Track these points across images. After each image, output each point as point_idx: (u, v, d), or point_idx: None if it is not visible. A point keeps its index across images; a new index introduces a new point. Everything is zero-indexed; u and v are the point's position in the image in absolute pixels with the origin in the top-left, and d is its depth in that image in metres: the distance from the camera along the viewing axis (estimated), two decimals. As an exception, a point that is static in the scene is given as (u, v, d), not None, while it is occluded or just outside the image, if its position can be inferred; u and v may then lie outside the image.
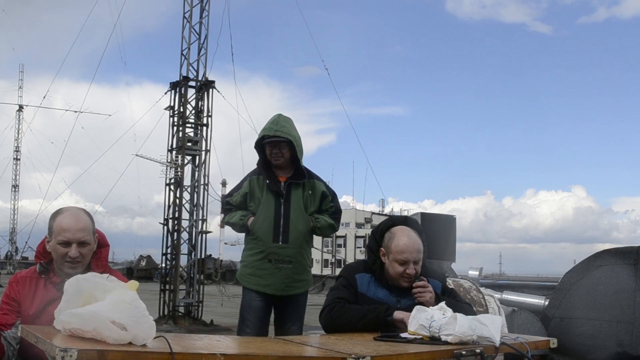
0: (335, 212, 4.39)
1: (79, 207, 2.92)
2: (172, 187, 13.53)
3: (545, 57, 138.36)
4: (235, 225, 4.32)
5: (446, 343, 2.43)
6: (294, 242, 4.17)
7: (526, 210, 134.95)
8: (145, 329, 2.03)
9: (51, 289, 2.75)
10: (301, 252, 4.21)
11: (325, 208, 4.33)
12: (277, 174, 4.25)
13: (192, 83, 13.72)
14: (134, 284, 2.31)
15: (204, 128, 13.69)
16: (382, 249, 3.10)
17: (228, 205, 4.37)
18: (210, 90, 13.73)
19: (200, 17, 13.92)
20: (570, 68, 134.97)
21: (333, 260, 64.42)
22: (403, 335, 2.63)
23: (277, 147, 4.17)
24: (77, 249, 2.71)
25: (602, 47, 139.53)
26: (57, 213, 2.80)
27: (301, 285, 4.24)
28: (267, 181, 4.21)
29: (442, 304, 2.66)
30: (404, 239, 3.03)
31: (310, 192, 4.27)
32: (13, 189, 54.88)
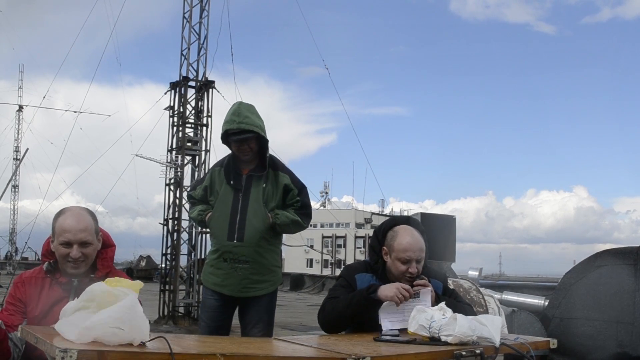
0: (302, 206, 4.02)
1: (83, 207, 2.90)
2: (172, 187, 13.53)
3: (548, 57, 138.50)
4: (194, 221, 4.09)
5: (446, 344, 2.44)
6: (249, 241, 3.85)
7: (527, 211, 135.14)
8: (142, 329, 2.04)
9: (57, 289, 2.75)
10: (259, 251, 3.89)
11: (290, 203, 3.98)
12: (241, 166, 3.96)
13: (192, 83, 13.72)
14: (138, 284, 2.32)
15: (204, 128, 13.69)
16: (384, 247, 3.11)
17: (191, 199, 4.15)
18: (210, 90, 13.73)
19: (200, 17, 13.92)
20: (573, 68, 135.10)
21: (333, 261, 64.43)
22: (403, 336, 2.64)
23: (245, 143, 3.87)
24: (78, 249, 2.71)
25: (606, 48, 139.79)
26: (60, 213, 2.79)
27: (263, 286, 3.92)
28: (224, 175, 3.96)
29: (442, 304, 2.67)
30: (407, 238, 3.04)
31: (272, 185, 3.94)
32: (13, 189, 54.93)
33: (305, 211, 4.04)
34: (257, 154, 3.93)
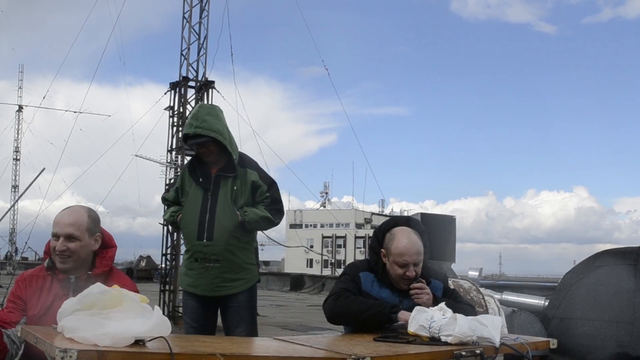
0: (273, 202, 3.99)
1: (85, 206, 2.93)
2: (172, 187, 13.52)
3: (549, 57, 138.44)
4: (168, 222, 4.09)
5: (446, 344, 2.43)
6: (219, 239, 3.85)
7: (528, 211, 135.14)
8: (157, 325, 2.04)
9: (56, 286, 2.77)
10: (229, 249, 3.88)
11: (260, 199, 3.96)
12: (210, 166, 3.97)
13: (192, 83, 13.72)
14: (143, 299, 2.31)
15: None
16: (382, 249, 3.10)
17: (165, 201, 4.16)
18: (210, 90, 13.73)
19: (200, 17, 13.92)
20: (574, 68, 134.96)
21: (333, 261, 64.44)
22: (403, 337, 2.64)
23: (203, 146, 3.88)
24: (63, 242, 2.74)
25: (607, 48, 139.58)
26: (61, 209, 2.84)
27: (236, 284, 3.92)
28: (191, 176, 3.98)
29: (442, 304, 2.67)
30: (403, 241, 3.02)
31: (240, 183, 3.93)
32: (13, 189, 54.95)
33: (275, 207, 4.01)
34: (222, 154, 3.93)
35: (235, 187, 3.92)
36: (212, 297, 3.92)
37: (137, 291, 2.68)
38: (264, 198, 3.97)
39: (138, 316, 2.08)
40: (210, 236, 3.87)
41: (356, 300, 2.97)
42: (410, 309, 2.71)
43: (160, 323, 2.07)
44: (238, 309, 3.93)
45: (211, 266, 3.87)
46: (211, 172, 3.95)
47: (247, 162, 4.01)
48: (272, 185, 4.02)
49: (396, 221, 3.20)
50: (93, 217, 2.85)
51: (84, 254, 2.81)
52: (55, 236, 2.75)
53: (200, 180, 3.96)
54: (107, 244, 2.90)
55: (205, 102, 13.65)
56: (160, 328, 2.06)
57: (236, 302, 3.93)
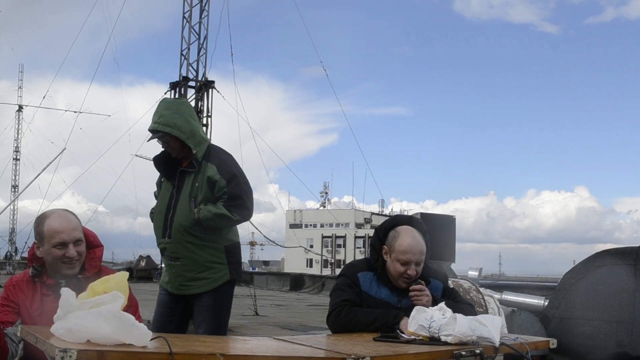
0: (231, 198, 3.82)
1: (63, 208, 2.91)
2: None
3: (551, 57, 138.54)
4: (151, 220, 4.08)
5: (446, 343, 2.43)
6: (176, 237, 3.79)
7: (529, 211, 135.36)
8: (140, 335, 2.03)
9: (47, 292, 2.76)
10: (187, 247, 3.79)
11: (218, 195, 3.82)
12: (182, 161, 3.90)
13: (192, 83, 13.72)
14: (123, 275, 2.31)
15: (204, 128, 13.68)
16: (385, 247, 3.09)
17: (156, 198, 4.13)
18: (210, 90, 13.72)
19: (200, 17, 13.92)
20: (576, 68, 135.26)
21: (332, 261, 64.43)
22: (403, 335, 2.64)
23: (164, 142, 3.84)
24: (74, 248, 2.72)
25: (609, 48, 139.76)
26: (44, 217, 2.78)
27: (200, 284, 3.81)
28: (158, 171, 3.97)
29: (442, 304, 2.67)
30: (408, 239, 3.03)
31: (200, 178, 3.83)
32: (13, 189, 54.90)
33: (234, 203, 3.83)
34: (187, 149, 3.85)
35: (197, 184, 3.84)
36: (181, 295, 3.88)
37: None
38: (222, 194, 3.83)
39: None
40: (170, 233, 3.84)
41: (358, 313, 2.96)
42: (410, 308, 2.71)
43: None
44: (201, 309, 3.85)
45: (173, 264, 3.84)
46: (181, 167, 3.91)
47: (212, 156, 3.88)
48: (232, 180, 3.85)
49: (398, 220, 3.20)
50: (78, 219, 2.85)
51: (85, 254, 2.81)
52: (62, 245, 2.71)
53: (168, 176, 3.93)
54: (92, 244, 2.88)
55: (206, 102, 13.66)
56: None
57: (200, 302, 3.84)
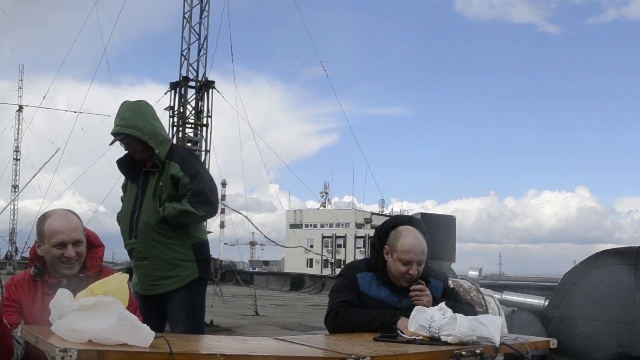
0: (195, 195, 3.84)
1: (65, 208, 2.92)
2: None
3: (552, 57, 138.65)
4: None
5: (446, 343, 2.43)
6: (142, 237, 3.81)
7: (529, 211, 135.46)
8: (143, 336, 2.03)
9: (48, 291, 2.76)
10: (155, 246, 3.81)
11: (182, 192, 3.84)
12: (146, 162, 3.92)
13: (192, 83, 13.72)
14: (124, 277, 2.31)
15: (204, 128, 13.69)
16: (386, 247, 3.09)
17: (122, 202, 4.14)
18: (210, 90, 13.72)
19: (200, 17, 13.92)
20: (577, 69, 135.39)
21: (332, 261, 64.42)
22: (403, 335, 2.64)
23: (127, 144, 3.86)
24: (73, 248, 2.73)
25: (610, 48, 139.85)
26: (46, 217, 2.79)
27: (168, 282, 3.81)
28: (122, 173, 3.98)
29: (442, 304, 2.67)
30: (410, 239, 3.03)
31: (164, 177, 3.84)
32: (13, 189, 54.91)
33: (198, 199, 3.85)
34: (149, 149, 3.87)
35: (160, 183, 3.86)
36: (152, 296, 3.86)
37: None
38: (186, 191, 3.84)
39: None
40: (136, 234, 3.85)
41: (356, 313, 2.96)
42: (410, 308, 2.71)
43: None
44: (174, 308, 3.84)
45: (141, 264, 3.84)
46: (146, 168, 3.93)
47: (174, 155, 3.90)
48: (195, 176, 3.87)
49: (398, 220, 3.20)
50: (79, 219, 2.85)
51: (85, 255, 2.82)
52: (61, 245, 2.72)
53: (133, 178, 3.95)
54: (93, 244, 2.89)
55: (206, 102, 13.65)
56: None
57: (172, 302, 3.84)
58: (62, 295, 2.23)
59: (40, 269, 2.80)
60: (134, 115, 3.82)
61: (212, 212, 3.96)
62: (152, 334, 2.05)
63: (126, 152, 3.97)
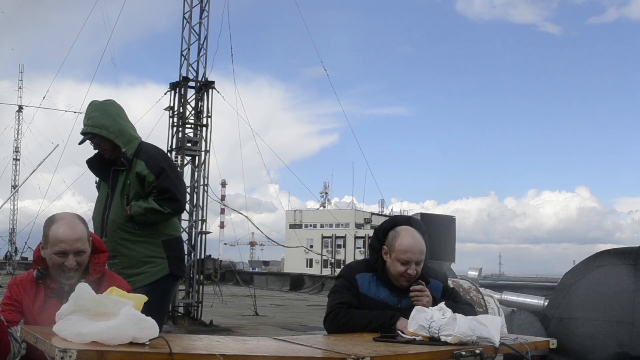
0: (160, 192, 3.85)
1: (74, 213, 2.87)
2: (171, 187, 13.52)
3: (553, 57, 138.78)
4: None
5: (446, 343, 2.43)
6: (110, 235, 3.82)
7: (529, 211, 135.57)
8: (147, 329, 2.03)
9: (50, 294, 2.76)
10: (123, 244, 3.83)
11: (148, 190, 3.86)
12: (116, 161, 3.93)
13: (192, 83, 13.71)
14: (141, 298, 2.31)
15: (204, 129, 13.68)
16: (384, 247, 3.10)
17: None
18: (210, 90, 13.72)
19: (200, 17, 13.91)
20: (578, 69, 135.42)
21: (332, 261, 64.41)
22: (403, 335, 2.64)
23: (95, 143, 3.88)
24: (74, 258, 2.71)
25: (611, 48, 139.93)
26: (52, 221, 2.76)
27: (139, 279, 3.81)
28: (92, 172, 3.99)
29: (442, 304, 2.67)
30: (408, 239, 3.03)
31: (131, 175, 3.85)
32: (13, 189, 54.86)
33: (164, 196, 3.86)
34: (118, 148, 3.88)
35: (128, 181, 3.88)
36: None
37: (130, 291, 2.69)
38: (152, 189, 3.87)
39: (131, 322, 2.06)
40: (106, 232, 3.86)
41: (355, 315, 2.96)
42: (409, 309, 2.71)
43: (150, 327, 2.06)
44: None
45: (111, 263, 3.80)
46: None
47: (141, 152, 3.92)
48: (160, 173, 3.88)
49: (397, 221, 3.21)
50: (86, 225, 2.82)
51: (86, 263, 2.80)
52: (63, 254, 2.70)
53: (103, 177, 3.96)
54: (97, 249, 2.87)
55: (205, 102, 13.64)
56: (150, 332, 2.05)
57: None
58: (83, 289, 2.21)
59: (44, 272, 2.79)
60: (101, 115, 3.85)
61: (179, 210, 4.00)
62: (157, 326, 2.06)
63: (96, 151, 3.99)
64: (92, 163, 4.03)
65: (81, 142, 3.91)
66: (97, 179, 4.11)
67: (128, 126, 3.98)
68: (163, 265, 3.90)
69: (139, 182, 3.88)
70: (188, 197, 13.60)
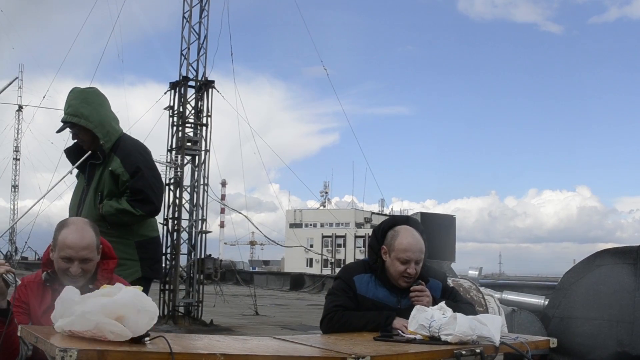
0: (133, 193, 3.70)
1: (86, 220, 2.82)
2: (172, 187, 13.53)
3: (554, 57, 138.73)
4: None
5: (446, 343, 2.43)
6: None
7: (530, 210, 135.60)
8: (143, 322, 2.03)
9: (57, 297, 2.74)
10: None
11: (122, 189, 3.71)
12: (95, 154, 3.78)
13: (192, 83, 13.71)
14: (137, 289, 2.31)
15: (204, 128, 13.68)
16: (384, 247, 3.09)
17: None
18: (210, 90, 13.72)
19: (200, 17, 13.91)
20: (579, 68, 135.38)
21: (332, 261, 64.42)
22: (403, 335, 2.64)
23: (74, 133, 3.72)
24: (79, 265, 2.69)
25: (612, 47, 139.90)
26: (63, 225, 2.74)
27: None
28: (71, 164, 3.84)
29: (442, 303, 2.67)
30: (407, 238, 3.03)
31: (107, 171, 3.71)
32: (13, 189, 54.92)
33: (137, 197, 3.71)
34: (97, 140, 3.72)
35: (103, 177, 3.73)
36: None
37: None
38: (126, 188, 3.72)
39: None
40: None
41: (350, 317, 2.96)
42: (409, 309, 2.71)
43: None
44: None
45: None
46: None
47: (119, 148, 3.75)
48: (135, 173, 3.73)
49: (395, 220, 3.21)
50: (97, 232, 2.78)
51: (93, 270, 2.78)
52: (68, 259, 2.68)
53: (80, 170, 3.81)
54: (107, 255, 2.85)
55: (205, 101, 13.64)
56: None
57: None
58: (70, 292, 2.22)
59: (52, 275, 2.77)
60: (81, 103, 3.68)
61: (152, 212, 3.83)
62: (157, 312, 2.07)
63: (74, 141, 3.82)
64: (70, 153, 3.85)
65: (59, 131, 3.74)
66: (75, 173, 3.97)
67: (110, 117, 3.79)
68: (135, 268, 3.75)
69: (113, 180, 3.71)
70: (188, 196, 13.61)
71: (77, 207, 3.78)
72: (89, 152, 3.75)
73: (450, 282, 3.58)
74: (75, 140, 3.83)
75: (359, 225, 75.38)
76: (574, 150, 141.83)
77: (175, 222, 13.49)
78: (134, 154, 3.78)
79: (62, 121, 3.70)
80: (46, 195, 3.99)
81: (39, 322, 2.67)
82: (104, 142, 3.69)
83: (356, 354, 2.17)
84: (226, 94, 14.40)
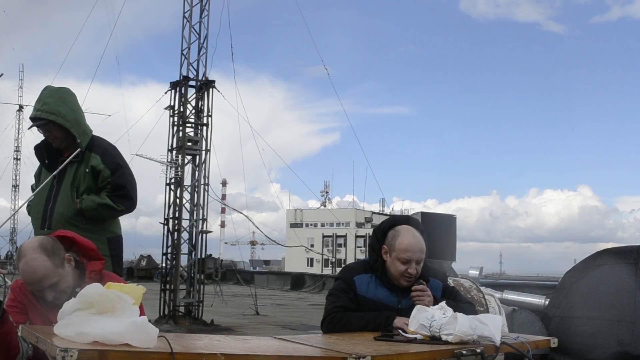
0: (115, 188, 3.79)
1: (35, 246, 2.63)
2: (172, 186, 13.53)
3: (556, 56, 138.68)
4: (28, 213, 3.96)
5: (447, 343, 2.43)
6: (56, 228, 3.57)
7: (531, 210, 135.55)
8: (147, 339, 2.02)
9: (49, 304, 2.73)
10: None
11: (102, 185, 3.78)
12: (64, 151, 3.83)
13: (193, 83, 13.71)
14: (140, 289, 2.29)
15: (204, 128, 13.68)
16: (384, 246, 3.09)
17: (33, 191, 4.01)
18: (210, 89, 13.72)
19: (200, 16, 13.91)
20: (581, 67, 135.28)
21: (333, 260, 64.41)
22: (404, 334, 2.64)
23: (46, 130, 3.76)
24: (51, 292, 2.64)
25: (615, 47, 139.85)
26: (19, 257, 2.65)
27: None
28: (39, 161, 3.88)
29: (443, 303, 2.67)
30: (408, 238, 3.03)
31: (84, 168, 3.77)
32: (13, 189, 54.95)
33: (118, 193, 3.80)
34: (69, 139, 3.78)
35: (79, 173, 3.79)
36: None
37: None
38: (106, 184, 3.80)
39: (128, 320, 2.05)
40: (50, 224, 3.75)
41: (351, 318, 2.97)
42: (410, 309, 2.71)
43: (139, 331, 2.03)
44: None
45: None
46: (63, 157, 3.82)
47: (95, 146, 3.83)
48: (116, 170, 3.83)
49: (396, 220, 3.20)
50: (50, 253, 2.63)
51: (70, 281, 2.70)
52: (37, 291, 2.64)
53: (49, 166, 3.84)
54: (91, 256, 2.81)
55: (206, 101, 13.64)
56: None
57: None
58: (94, 288, 2.20)
59: None
60: (57, 102, 3.74)
61: (131, 207, 3.92)
62: (156, 331, 2.05)
63: (44, 138, 3.87)
64: (39, 149, 3.89)
65: (31, 127, 3.79)
66: (38, 167, 4.00)
67: (82, 117, 3.87)
68: (107, 263, 3.71)
69: (93, 177, 3.78)
70: (188, 196, 13.61)
71: (44, 204, 3.80)
72: (78, 149, 3.82)
73: (450, 281, 3.58)
74: (42, 139, 3.89)
75: (359, 225, 75.35)
76: (575, 150, 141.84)
77: (176, 221, 13.49)
78: (111, 152, 3.91)
79: (34, 117, 3.73)
80: (35, 193, 3.92)
81: (47, 318, 2.66)
82: (80, 140, 3.77)
83: (357, 353, 2.17)
84: (227, 93, 14.42)
